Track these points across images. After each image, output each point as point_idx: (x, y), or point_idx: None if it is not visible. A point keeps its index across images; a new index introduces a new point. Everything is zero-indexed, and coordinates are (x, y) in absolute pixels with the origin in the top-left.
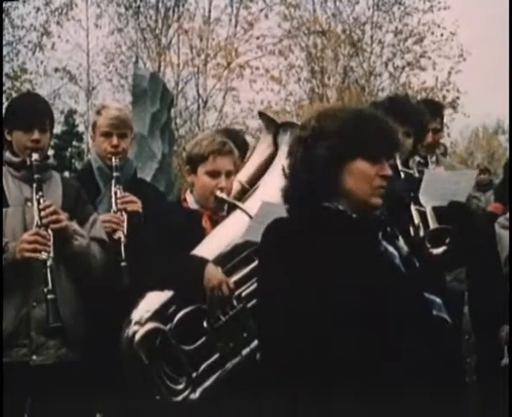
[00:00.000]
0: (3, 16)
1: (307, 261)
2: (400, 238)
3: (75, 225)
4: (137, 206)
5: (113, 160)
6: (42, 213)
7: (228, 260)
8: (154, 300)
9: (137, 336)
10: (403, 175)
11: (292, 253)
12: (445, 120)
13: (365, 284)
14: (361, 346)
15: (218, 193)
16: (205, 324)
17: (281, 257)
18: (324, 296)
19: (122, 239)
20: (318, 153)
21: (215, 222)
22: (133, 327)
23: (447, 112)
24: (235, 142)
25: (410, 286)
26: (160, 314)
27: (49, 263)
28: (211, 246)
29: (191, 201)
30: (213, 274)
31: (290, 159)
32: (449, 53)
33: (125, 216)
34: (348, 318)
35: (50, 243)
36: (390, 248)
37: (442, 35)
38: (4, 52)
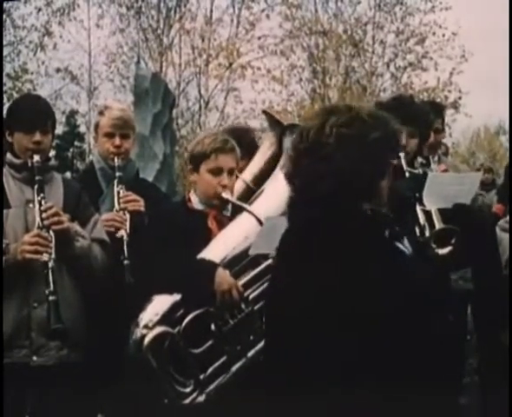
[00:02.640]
0: (5, 16)
1: (325, 260)
2: (405, 239)
3: (76, 226)
4: (139, 205)
5: (115, 160)
6: (44, 214)
7: (235, 263)
8: (162, 303)
9: (146, 340)
10: (407, 174)
11: (310, 254)
12: (447, 120)
13: (383, 279)
14: (373, 346)
15: (224, 194)
16: (213, 327)
17: (299, 258)
18: (340, 294)
19: (125, 237)
20: (384, 153)
21: (221, 223)
22: (141, 331)
23: (449, 112)
24: (242, 140)
25: (425, 283)
26: (169, 318)
27: (50, 265)
28: (218, 248)
29: (195, 201)
30: (224, 277)
31: (327, 160)
32: (451, 53)
33: (128, 215)
34: (362, 316)
35: (52, 245)
36: (401, 246)
37: (443, 35)
38: (5, 52)
